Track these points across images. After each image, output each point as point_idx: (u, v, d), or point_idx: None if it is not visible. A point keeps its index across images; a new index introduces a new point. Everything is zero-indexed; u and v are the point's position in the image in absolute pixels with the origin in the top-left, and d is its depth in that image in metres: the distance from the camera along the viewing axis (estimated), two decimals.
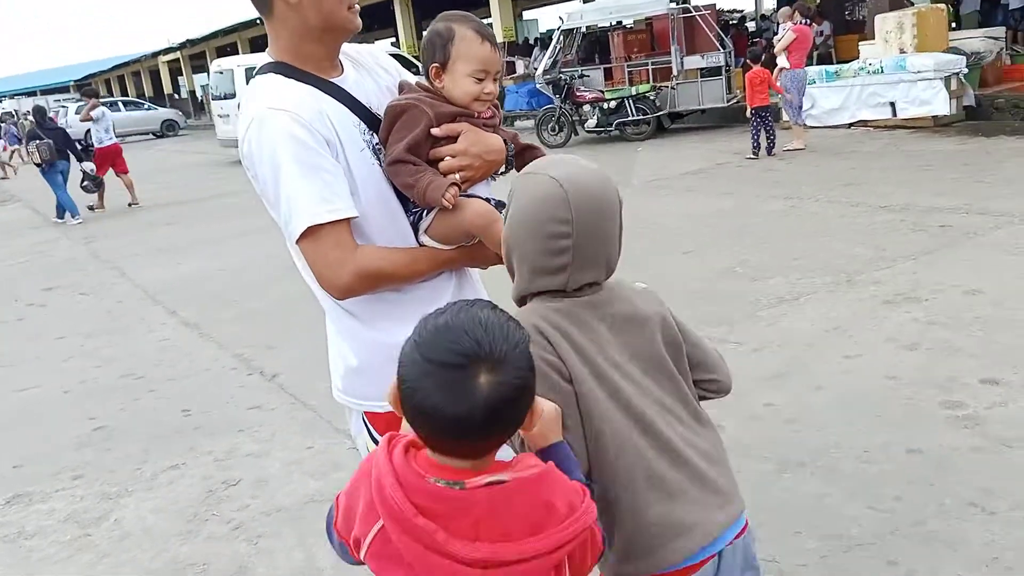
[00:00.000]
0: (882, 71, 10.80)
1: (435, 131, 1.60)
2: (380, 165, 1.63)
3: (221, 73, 18.71)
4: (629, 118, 12.97)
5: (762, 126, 9.88)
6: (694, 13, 13.17)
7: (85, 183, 12.26)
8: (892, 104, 10.76)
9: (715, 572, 1.33)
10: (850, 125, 11.23)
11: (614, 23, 15.87)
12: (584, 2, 28.08)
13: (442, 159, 1.61)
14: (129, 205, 12.80)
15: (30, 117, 12.39)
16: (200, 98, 40.92)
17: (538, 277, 1.34)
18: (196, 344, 5.44)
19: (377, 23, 31.39)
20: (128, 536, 3.10)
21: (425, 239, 1.66)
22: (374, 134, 1.63)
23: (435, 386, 1.04)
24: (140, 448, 3.88)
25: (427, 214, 1.63)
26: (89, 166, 12.42)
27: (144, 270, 7.92)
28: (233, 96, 17.80)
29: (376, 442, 1.68)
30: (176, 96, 44.64)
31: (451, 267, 1.70)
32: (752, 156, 9.88)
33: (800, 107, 10.21)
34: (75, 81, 55.40)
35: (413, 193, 1.59)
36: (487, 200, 1.66)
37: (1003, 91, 10.88)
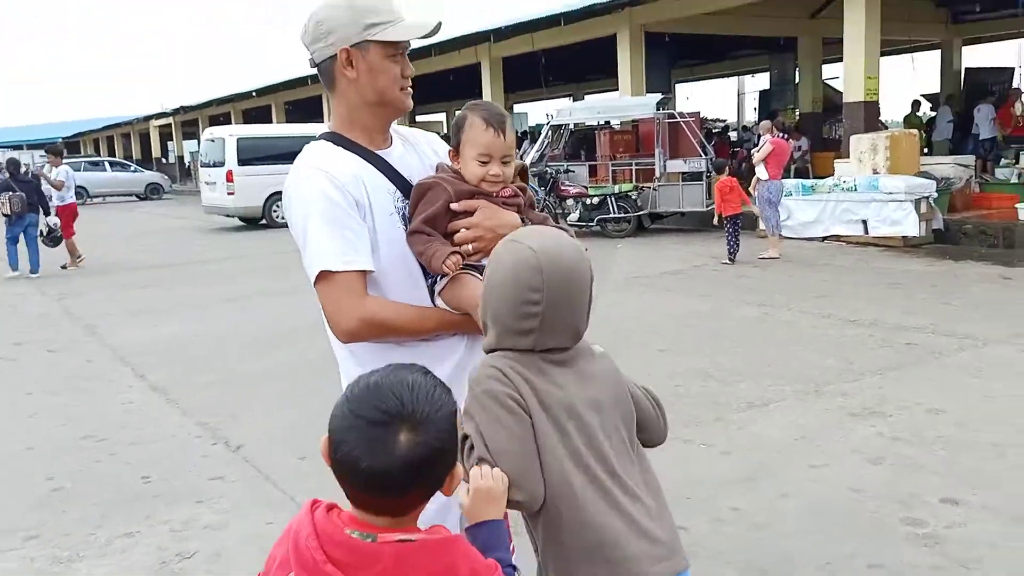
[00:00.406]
0: (856, 189, 11.21)
1: (454, 206, 1.79)
2: (406, 230, 1.83)
3: (212, 141, 18.98)
4: (611, 215, 13.28)
5: (734, 233, 10.17)
6: (679, 119, 13.67)
7: (45, 237, 12.12)
8: (864, 222, 11.13)
9: None
10: (824, 238, 11.56)
11: (601, 123, 16.40)
12: (573, 100, 29.08)
13: (458, 231, 1.79)
14: (63, 267, 12.37)
15: (3, 169, 12.37)
16: (188, 164, 41.32)
17: (507, 336, 1.44)
18: (162, 409, 5.37)
19: None
20: None
21: (439, 301, 1.82)
22: (408, 203, 1.85)
23: (359, 440, 1.12)
24: (97, 512, 3.78)
25: (441, 278, 1.80)
26: (54, 220, 12.36)
27: (116, 331, 7.85)
28: (222, 164, 18.02)
29: None
30: (164, 160, 45.02)
31: (458, 330, 1.84)
32: (727, 262, 10.12)
33: (777, 217, 10.53)
34: (64, 138, 55.83)
35: (424, 260, 1.78)
36: None
37: (971, 217, 11.31)
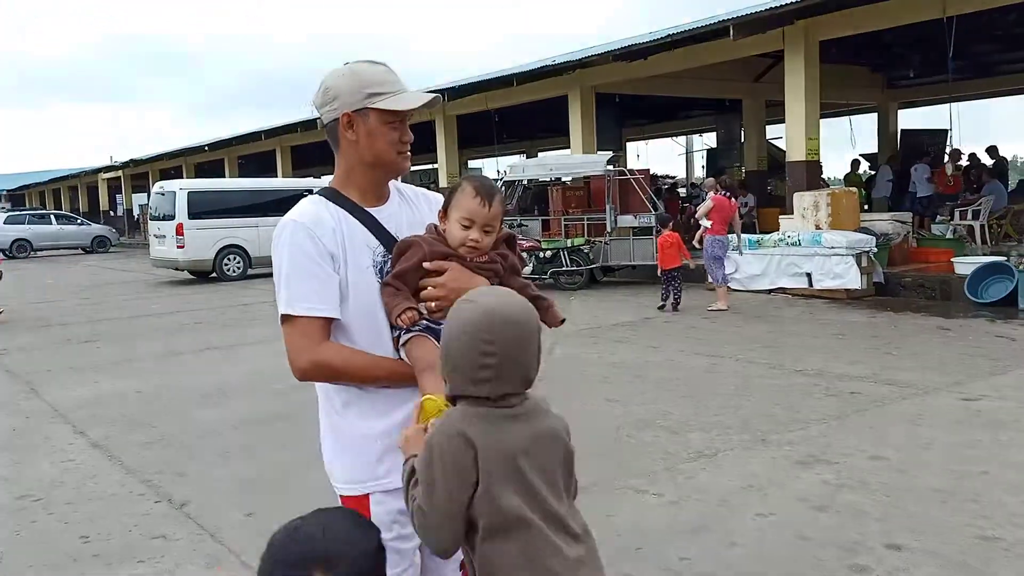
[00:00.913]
0: (800, 244, 11.55)
1: (426, 265, 1.90)
2: (380, 284, 1.95)
3: (162, 195, 18.78)
4: (564, 268, 13.44)
5: (670, 284, 10.63)
6: (629, 176, 13.99)
7: None
8: (809, 275, 11.45)
9: None
10: (770, 291, 11.84)
11: (554, 179, 16.69)
12: (526, 157, 29.56)
13: (425, 288, 1.90)
14: None
15: None
16: (137, 217, 40.74)
17: (467, 385, 1.57)
18: (103, 467, 5.22)
19: (327, 159, 32.24)
20: None
21: (401, 352, 1.92)
22: (390, 256, 1.97)
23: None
24: (33, 575, 3.64)
25: (404, 332, 1.90)
26: None
27: (56, 387, 7.64)
28: (172, 217, 17.83)
29: None
30: (112, 213, 44.33)
31: (407, 383, 1.91)
32: (660, 307, 10.67)
33: (723, 270, 10.78)
34: (9, 191, 54.66)
35: (387, 311, 1.90)
36: None
37: (909, 271, 11.70)
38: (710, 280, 10.99)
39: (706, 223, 10.77)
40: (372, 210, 2.00)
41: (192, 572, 3.61)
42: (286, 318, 1.90)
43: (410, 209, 2.09)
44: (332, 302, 1.90)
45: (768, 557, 3.51)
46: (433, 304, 1.88)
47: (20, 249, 30.55)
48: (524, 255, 13.82)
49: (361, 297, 1.93)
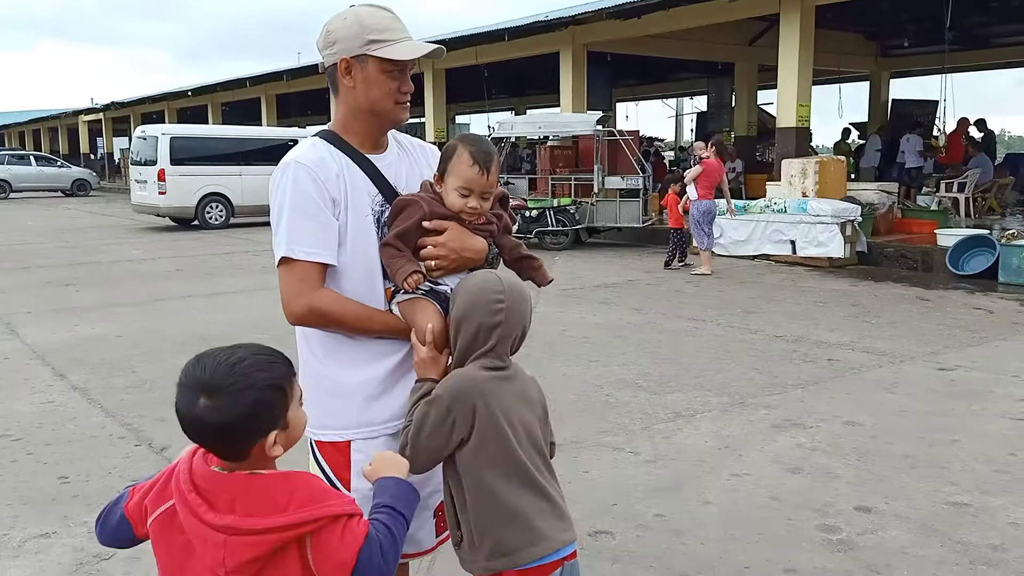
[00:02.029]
0: (785, 211, 11.58)
1: (426, 224, 1.90)
2: (378, 234, 1.95)
3: (144, 139, 18.48)
4: (549, 228, 13.41)
5: (678, 242, 11.14)
6: (618, 137, 13.91)
7: None
8: (792, 242, 11.49)
9: None
10: (754, 257, 11.90)
11: (542, 137, 16.57)
12: (515, 114, 29.30)
13: (426, 247, 1.91)
14: None
15: None
16: (117, 161, 40.14)
17: (479, 333, 1.81)
18: (83, 409, 5.21)
19: (311, 109, 31.82)
20: None
21: (393, 307, 1.94)
22: (388, 206, 1.96)
23: (178, 398, 1.43)
24: (10, 513, 3.65)
25: (404, 292, 1.92)
26: None
27: (35, 329, 7.59)
28: (154, 162, 17.57)
29: (319, 466, 1.98)
30: (92, 156, 43.63)
31: (400, 337, 1.95)
32: (666, 264, 11.22)
33: (709, 235, 10.79)
34: None
35: (390, 272, 1.91)
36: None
37: (893, 241, 11.78)
38: (695, 244, 11.01)
39: (692, 191, 10.74)
40: (372, 157, 1.98)
41: None
42: (284, 261, 1.88)
43: (409, 160, 2.07)
44: (332, 247, 1.89)
45: (741, 516, 3.58)
46: (432, 263, 1.89)
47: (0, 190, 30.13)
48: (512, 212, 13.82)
49: (358, 245, 1.93)
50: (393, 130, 2.11)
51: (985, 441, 4.48)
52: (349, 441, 1.96)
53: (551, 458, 1.96)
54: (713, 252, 10.96)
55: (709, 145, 11.06)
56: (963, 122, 16.63)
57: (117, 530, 1.54)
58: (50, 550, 3.31)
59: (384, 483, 1.59)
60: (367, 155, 1.98)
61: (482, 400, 1.78)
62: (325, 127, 2.04)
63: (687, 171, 11.34)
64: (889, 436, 4.56)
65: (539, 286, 2.11)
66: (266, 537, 1.38)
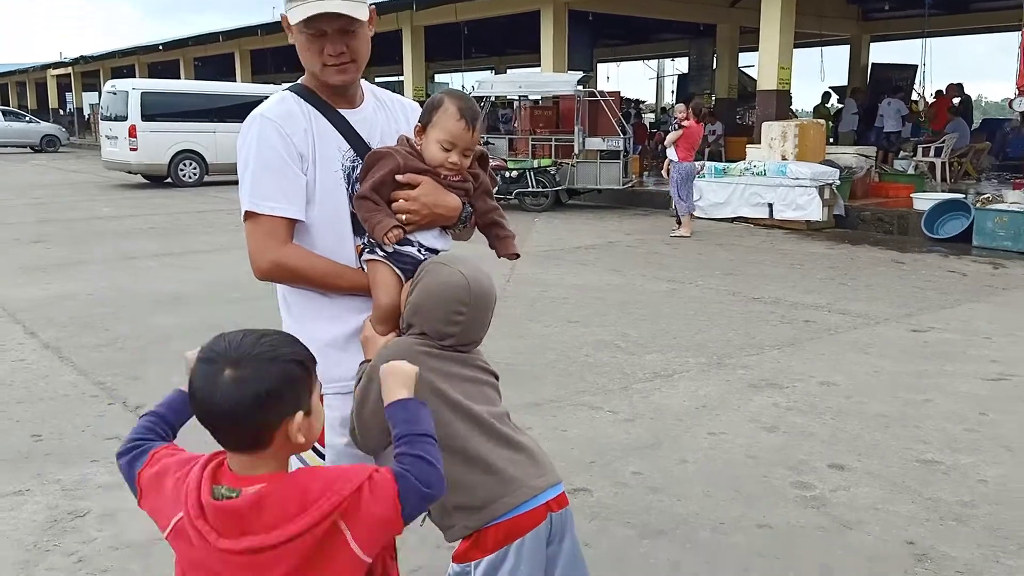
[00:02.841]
0: (765, 174, 11.58)
1: (399, 177, 1.84)
2: (348, 189, 1.90)
3: (114, 94, 18.05)
4: (529, 189, 13.33)
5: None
6: (599, 98, 13.80)
7: None
8: (771, 205, 11.51)
9: (548, 534, 1.76)
10: (732, 220, 11.91)
11: (522, 97, 16.39)
12: (495, 73, 28.96)
13: (397, 200, 1.85)
14: None
15: None
16: (87, 116, 39.28)
17: (434, 332, 1.75)
18: (55, 368, 5.13)
19: (286, 66, 31.24)
20: None
21: (363, 263, 1.90)
22: (360, 160, 1.90)
23: (196, 377, 1.33)
24: None
25: (374, 250, 1.87)
26: None
27: (5, 287, 7.45)
28: (125, 118, 17.19)
29: None
30: (61, 112, 42.64)
31: (370, 295, 1.90)
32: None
33: (688, 198, 10.79)
34: None
35: (367, 227, 1.84)
36: (423, 248, 1.89)
37: (870, 205, 11.84)
38: (675, 207, 10.99)
39: (672, 154, 10.70)
40: (345, 112, 1.93)
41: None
42: (249, 215, 1.85)
43: (385, 115, 2.01)
44: (298, 203, 1.85)
45: (717, 474, 3.61)
46: (403, 217, 1.84)
47: None
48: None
49: (327, 201, 1.88)
50: (372, 85, 2.05)
51: (957, 401, 4.55)
52: (320, 396, 1.93)
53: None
54: (692, 215, 10.96)
55: (688, 108, 11.00)
56: (951, 88, 16.64)
57: (132, 483, 1.47)
58: (23, 507, 3.27)
59: (391, 412, 1.51)
60: (339, 109, 1.92)
61: (424, 363, 1.69)
62: (298, 81, 1.98)
63: (667, 135, 11.28)
64: (863, 396, 4.61)
65: (499, 256, 2.05)
66: (293, 545, 1.29)
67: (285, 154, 1.83)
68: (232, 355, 1.30)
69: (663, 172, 11.12)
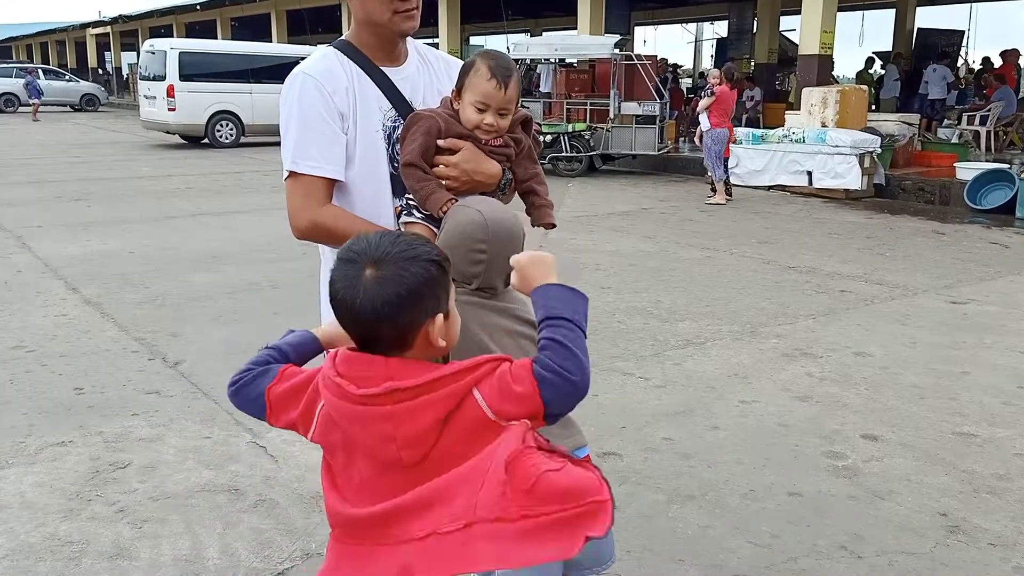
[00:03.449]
0: (804, 141, 11.36)
1: (440, 142, 1.83)
2: (388, 149, 1.90)
3: (153, 53, 18.16)
4: (563, 154, 13.23)
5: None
6: (636, 62, 13.59)
7: None
8: (809, 173, 11.32)
9: None
10: (770, 188, 11.74)
11: (558, 60, 16.21)
12: (531, 35, 28.64)
13: (438, 166, 1.83)
14: None
15: None
16: (126, 76, 39.62)
17: (459, 275, 1.71)
18: (96, 323, 5.25)
19: (322, 26, 31.15)
20: (5, 508, 2.97)
21: (401, 227, 1.89)
22: (401, 121, 1.88)
23: (337, 277, 1.32)
24: (26, 421, 3.72)
25: (412, 212, 1.86)
26: None
27: (47, 243, 7.60)
28: (163, 78, 17.30)
29: None
30: (100, 71, 43.04)
31: None
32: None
33: (724, 164, 10.64)
34: None
35: (417, 197, 1.83)
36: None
37: (911, 174, 11.58)
38: (710, 174, 10.86)
39: (705, 121, 10.54)
40: (388, 70, 1.91)
41: (186, 427, 3.69)
42: (291, 175, 1.86)
43: (429, 74, 1.99)
44: (338, 163, 1.85)
45: (749, 442, 3.60)
46: (442, 183, 1.83)
47: (8, 104, 29.86)
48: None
49: (367, 160, 1.88)
50: (417, 42, 2.02)
51: (995, 374, 4.48)
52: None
53: None
54: (727, 182, 10.81)
55: (721, 73, 10.81)
56: (1014, 53, 16.01)
57: (254, 404, 1.44)
58: (66, 458, 3.37)
59: (534, 297, 1.42)
60: (382, 67, 1.90)
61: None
62: (342, 37, 1.97)
63: (700, 101, 11.07)
64: (899, 367, 4.56)
65: (534, 225, 2.01)
66: (432, 396, 1.26)
67: (325, 112, 1.82)
68: (373, 254, 1.30)
69: (696, 139, 10.94)
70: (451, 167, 1.82)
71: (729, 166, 11.27)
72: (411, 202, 1.87)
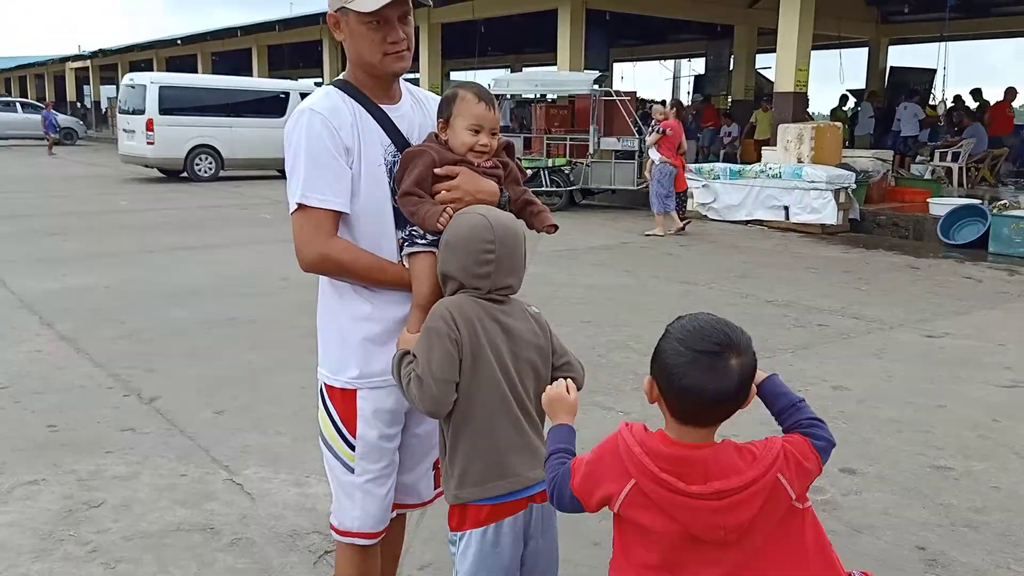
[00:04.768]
0: (780, 176, 11.54)
1: (437, 170, 1.91)
2: (390, 183, 1.96)
3: (133, 87, 18.16)
4: (543, 188, 13.33)
5: (679, 205, 11.14)
6: (615, 98, 13.78)
7: None
8: (786, 208, 11.48)
9: (528, 521, 1.86)
10: (747, 222, 11.88)
11: (538, 96, 16.39)
12: (511, 71, 28.95)
13: (439, 192, 1.92)
14: None
15: None
16: (104, 110, 39.53)
17: (468, 281, 1.81)
18: (71, 359, 5.19)
19: (303, 62, 31.34)
20: None
21: (404, 259, 1.96)
22: (400, 156, 1.97)
23: (701, 370, 1.42)
24: None
25: (415, 242, 1.93)
26: None
27: (22, 278, 7.52)
28: (142, 112, 17.29)
29: (327, 411, 2.00)
30: (79, 104, 42.94)
31: (411, 289, 1.95)
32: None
33: (666, 197, 10.79)
34: None
35: (416, 219, 1.90)
36: None
37: (885, 209, 11.77)
38: (652, 206, 10.97)
39: (655, 155, 10.76)
40: (386, 108, 1.98)
41: (161, 464, 3.64)
42: (299, 208, 1.89)
43: (422, 113, 2.07)
44: (345, 195, 1.90)
45: None
46: (450, 207, 1.90)
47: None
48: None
49: (371, 194, 1.94)
50: (407, 83, 2.10)
51: (970, 407, 4.52)
52: (356, 390, 1.99)
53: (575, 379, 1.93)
54: (667, 213, 10.91)
55: (669, 107, 11.09)
56: (1010, 92, 16.29)
57: (572, 504, 1.58)
58: (39, 497, 3.31)
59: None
60: (380, 105, 1.97)
61: (472, 316, 1.79)
62: (339, 77, 2.03)
63: (648, 136, 11.27)
64: (876, 401, 4.60)
65: (538, 231, 2.10)
66: (753, 490, 1.43)
67: (333, 147, 1.88)
68: (735, 343, 1.45)
69: (646, 172, 11.20)
70: (452, 190, 1.90)
71: (705, 200, 11.46)
72: (413, 233, 1.93)
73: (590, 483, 1.54)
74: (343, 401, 2.00)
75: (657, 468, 1.44)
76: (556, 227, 2.08)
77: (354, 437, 2.00)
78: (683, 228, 10.91)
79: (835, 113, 19.39)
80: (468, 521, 1.84)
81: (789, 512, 1.49)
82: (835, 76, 19.90)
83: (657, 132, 10.76)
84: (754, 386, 1.51)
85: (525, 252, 1.89)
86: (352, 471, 2.02)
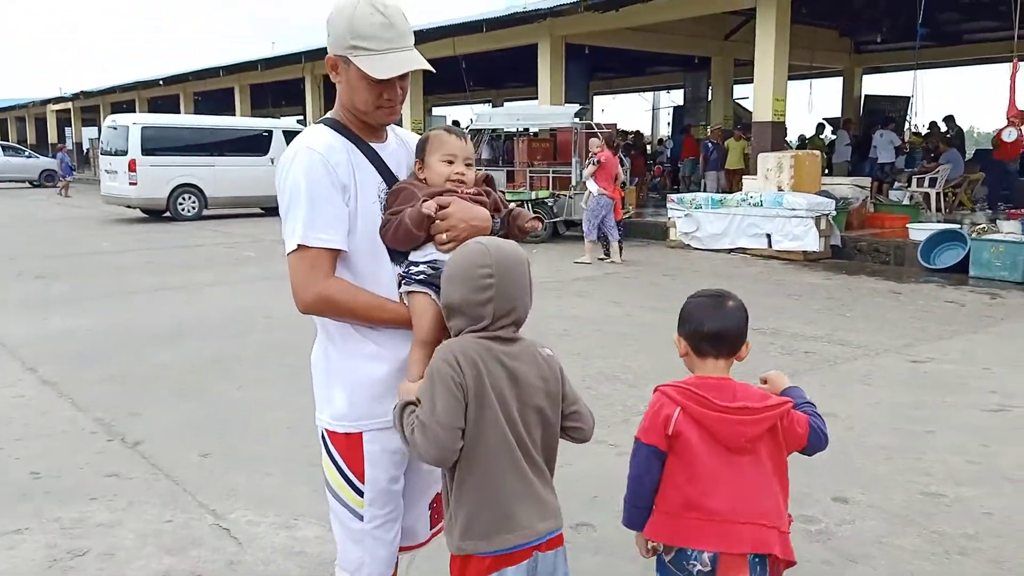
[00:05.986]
0: (761, 204, 11.66)
1: (427, 206, 1.87)
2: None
3: (115, 129, 18.16)
4: None
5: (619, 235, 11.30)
6: (596, 130, 13.91)
7: None
8: (768, 236, 11.58)
9: (532, 569, 1.81)
10: (730, 250, 11.97)
11: (520, 129, 16.53)
12: (493, 106, 29.22)
13: (439, 232, 1.90)
14: None
15: None
16: (86, 151, 39.49)
17: (471, 309, 1.77)
18: (54, 404, 5.12)
19: (285, 100, 31.50)
20: None
21: (403, 295, 1.93)
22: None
23: (705, 310, 1.98)
24: None
25: (411, 280, 1.91)
26: None
27: (4, 322, 7.44)
28: (125, 153, 17.28)
29: (332, 459, 1.96)
30: (60, 146, 42.85)
31: (411, 327, 1.93)
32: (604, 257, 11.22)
33: (594, 227, 11.04)
34: None
35: (401, 229, 1.88)
36: None
37: (866, 235, 11.90)
38: (585, 233, 11.18)
39: (593, 186, 10.99)
40: (375, 146, 2.00)
41: (146, 510, 3.58)
42: (297, 249, 1.86)
43: (406, 150, 2.08)
44: (343, 234, 1.89)
45: None
46: (445, 236, 1.89)
47: (48, 179, 29.62)
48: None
49: (367, 230, 1.94)
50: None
51: (959, 432, 4.54)
52: (361, 433, 1.96)
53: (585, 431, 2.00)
54: (593, 242, 11.18)
55: (601, 142, 11.38)
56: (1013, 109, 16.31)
57: (650, 454, 1.95)
58: (22, 546, 3.24)
59: (790, 392, 2.04)
60: (370, 143, 1.99)
61: (476, 358, 1.73)
62: (328, 115, 2.03)
63: (585, 169, 11.54)
64: (864, 427, 4.60)
65: (521, 231, 2.08)
66: (767, 415, 1.89)
67: (331, 186, 1.87)
68: (724, 293, 2.00)
69: (583, 203, 11.48)
70: (448, 220, 1.89)
71: (688, 229, 11.53)
72: (411, 270, 1.92)
73: (655, 421, 1.92)
74: (348, 446, 1.96)
75: (694, 389, 1.89)
76: (541, 220, 2.11)
77: (362, 482, 1.96)
78: (610, 257, 11.07)
79: (812, 141, 19.67)
80: (470, 571, 1.80)
81: (776, 446, 1.97)
82: (806, 105, 20.16)
83: (593, 164, 11.06)
84: (749, 341, 1.97)
85: (530, 280, 1.85)
86: (361, 518, 1.99)
